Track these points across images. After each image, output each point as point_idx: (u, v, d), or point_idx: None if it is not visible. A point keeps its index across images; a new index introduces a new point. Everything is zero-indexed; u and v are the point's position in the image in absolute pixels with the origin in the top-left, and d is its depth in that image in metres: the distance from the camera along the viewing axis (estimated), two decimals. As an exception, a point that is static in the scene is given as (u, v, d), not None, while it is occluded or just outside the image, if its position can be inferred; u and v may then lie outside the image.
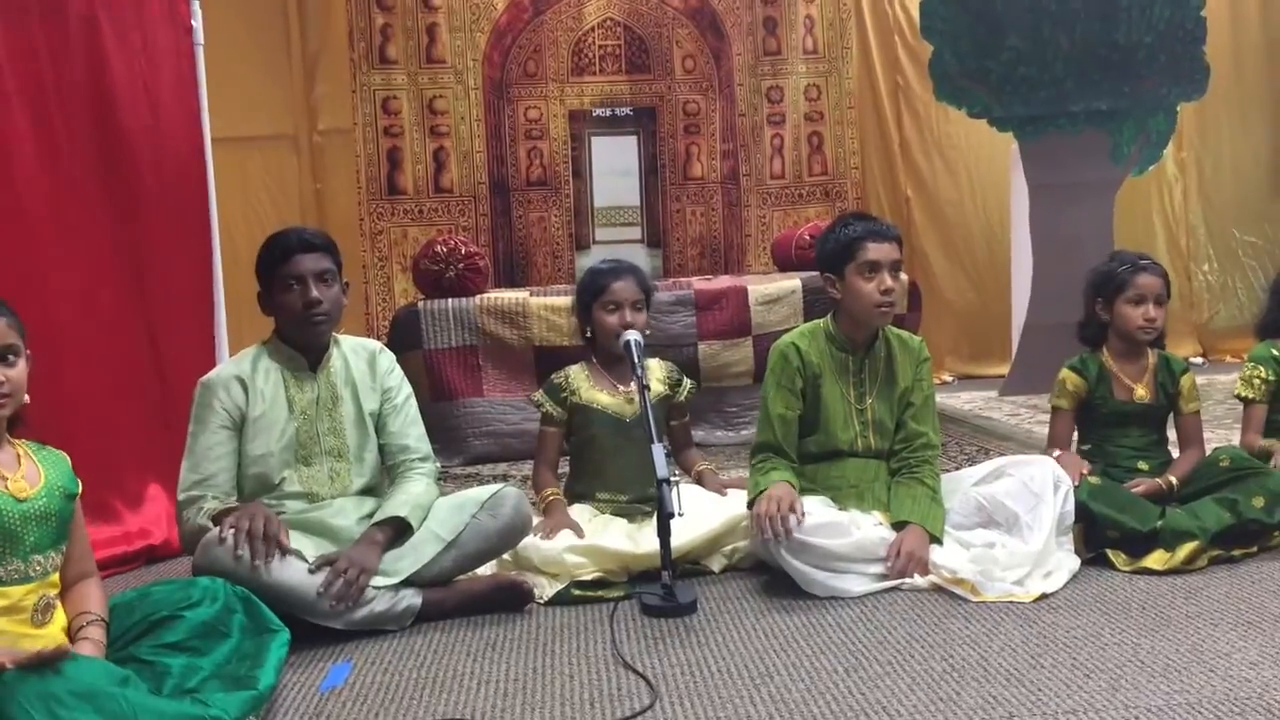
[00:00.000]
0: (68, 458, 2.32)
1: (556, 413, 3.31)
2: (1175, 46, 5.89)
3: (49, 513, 2.20)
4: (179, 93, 3.78)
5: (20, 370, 2.19)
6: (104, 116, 3.50)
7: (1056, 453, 3.23)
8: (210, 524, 2.70)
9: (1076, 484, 3.01)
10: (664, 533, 2.75)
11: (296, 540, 2.74)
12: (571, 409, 3.30)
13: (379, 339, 5.53)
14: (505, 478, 4.52)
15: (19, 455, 2.22)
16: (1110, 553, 2.95)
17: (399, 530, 2.82)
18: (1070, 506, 2.95)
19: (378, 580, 2.72)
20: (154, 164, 3.68)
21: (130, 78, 3.58)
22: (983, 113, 6.07)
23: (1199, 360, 7.11)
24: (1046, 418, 3.47)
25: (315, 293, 2.85)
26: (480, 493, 2.93)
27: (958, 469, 3.43)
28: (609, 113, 6.67)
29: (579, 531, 3.04)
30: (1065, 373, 3.33)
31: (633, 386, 3.17)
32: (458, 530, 2.84)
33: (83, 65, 3.43)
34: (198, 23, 3.83)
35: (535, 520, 3.06)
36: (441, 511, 2.89)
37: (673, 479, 2.75)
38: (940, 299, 7.00)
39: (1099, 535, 2.97)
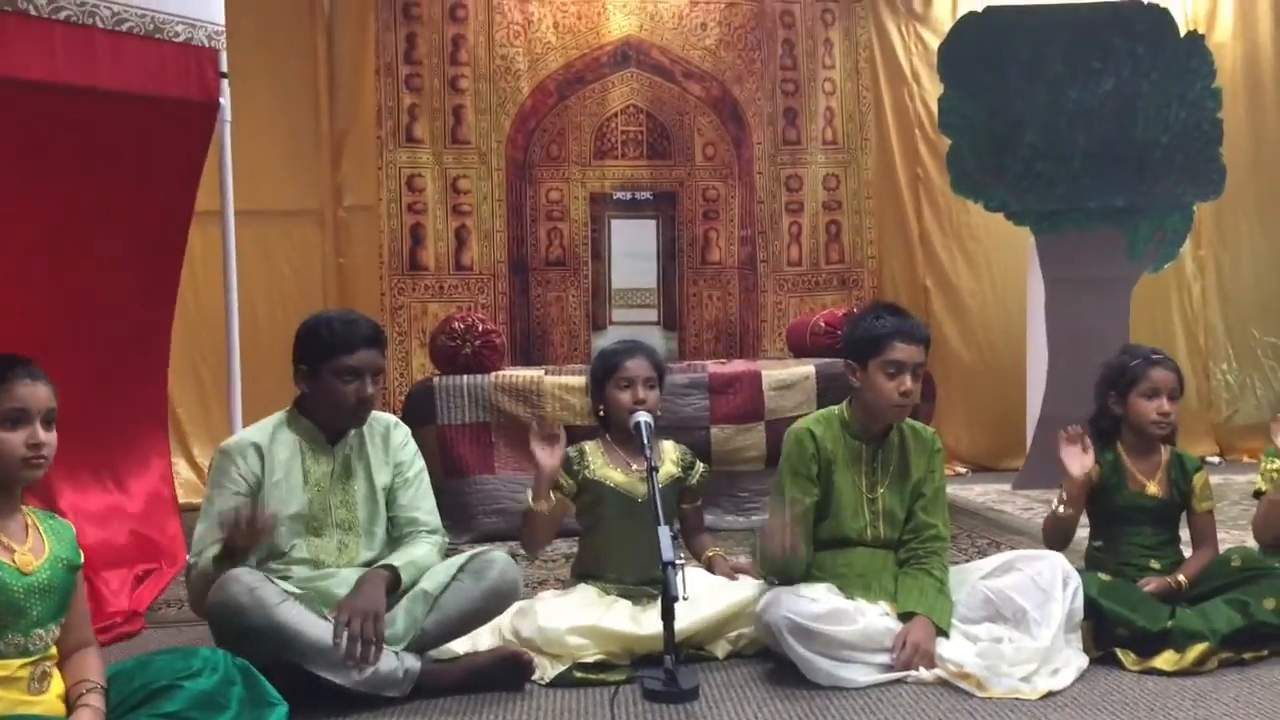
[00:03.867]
0: (72, 528, 2.34)
1: (567, 484, 3.30)
2: (1191, 147, 5.95)
3: (51, 586, 2.21)
4: (182, 170, 3.88)
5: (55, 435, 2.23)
6: (94, 184, 3.61)
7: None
8: (212, 565, 2.72)
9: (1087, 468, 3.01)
10: (668, 616, 2.73)
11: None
12: (584, 484, 3.30)
13: (395, 413, 5.58)
14: (514, 556, 4.49)
15: (27, 525, 2.24)
16: (1119, 652, 2.91)
17: (394, 582, 2.81)
18: (1079, 603, 2.93)
19: None
20: (130, 233, 3.78)
21: (131, 154, 3.67)
22: (999, 207, 6.13)
23: (1216, 459, 7.05)
24: (1060, 513, 3.45)
25: (371, 391, 2.90)
26: (467, 553, 2.95)
27: (968, 561, 3.41)
28: (629, 196, 6.76)
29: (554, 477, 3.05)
30: None
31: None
32: (442, 587, 2.83)
33: (84, 134, 3.53)
34: (226, 100, 3.92)
35: (536, 600, 3.05)
36: (432, 573, 2.90)
37: (678, 562, 2.74)
38: (957, 390, 6.99)
39: (1108, 633, 2.93)
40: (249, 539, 2.66)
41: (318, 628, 2.66)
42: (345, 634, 2.64)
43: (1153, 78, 5.92)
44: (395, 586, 2.82)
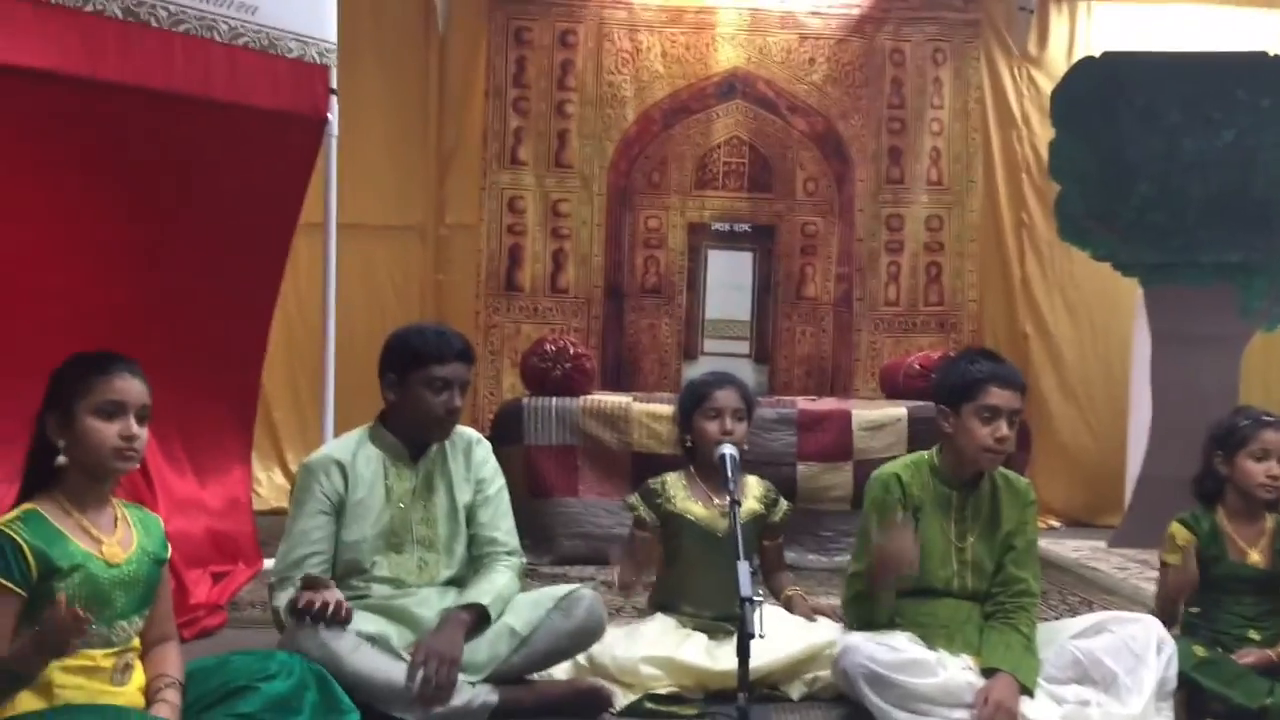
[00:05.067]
0: (161, 522, 2.38)
1: (650, 518, 3.29)
2: (1313, 204, 5.74)
3: (137, 578, 2.25)
4: (288, 182, 3.96)
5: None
6: (204, 190, 3.72)
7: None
8: (286, 611, 2.75)
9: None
10: (743, 653, 2.68)
11: (380, 626, 2.76)
12: (664, 517, 3.28)
13: (483, 430, 5.62)
14: (593, 581, 4.49)
15: (116, 518, 2.29)
16: (1213, 724, 2.80)
17: (479, 618, 2.81)
18: (1173, 671, 2.81)
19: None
20: (234, 242, 3.88)
21: (240, 163, 3.76)
22: (1108, 256, 5.97)
23: (1326, 529, 6.75)
24: (1156, 574, 3.32)
25: (459, 403, 2.90)
26: (556, 590, 2.93)
27: (1057, 619, 3.30)
28: (728, 228, 6.75)
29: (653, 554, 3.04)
30: (1175, 526, 3.18)
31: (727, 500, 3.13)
32: (532, 626, 2.82)
33: (197, 142, 3.63)
34: (334, 115, 4.01)
35: (611, 627, 3.03)
36: (518, 606, 2.89)
37: (756, 598, 2.69)
38: (1054, 441, 6.81)
39: (1202, 705, 2.82)
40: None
41: (390, 671, 2.66)
42: (420, 675, 2.64)
43: (1276, 131, 5.73)
44: (482, 621, 2.82)
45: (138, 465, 2.31)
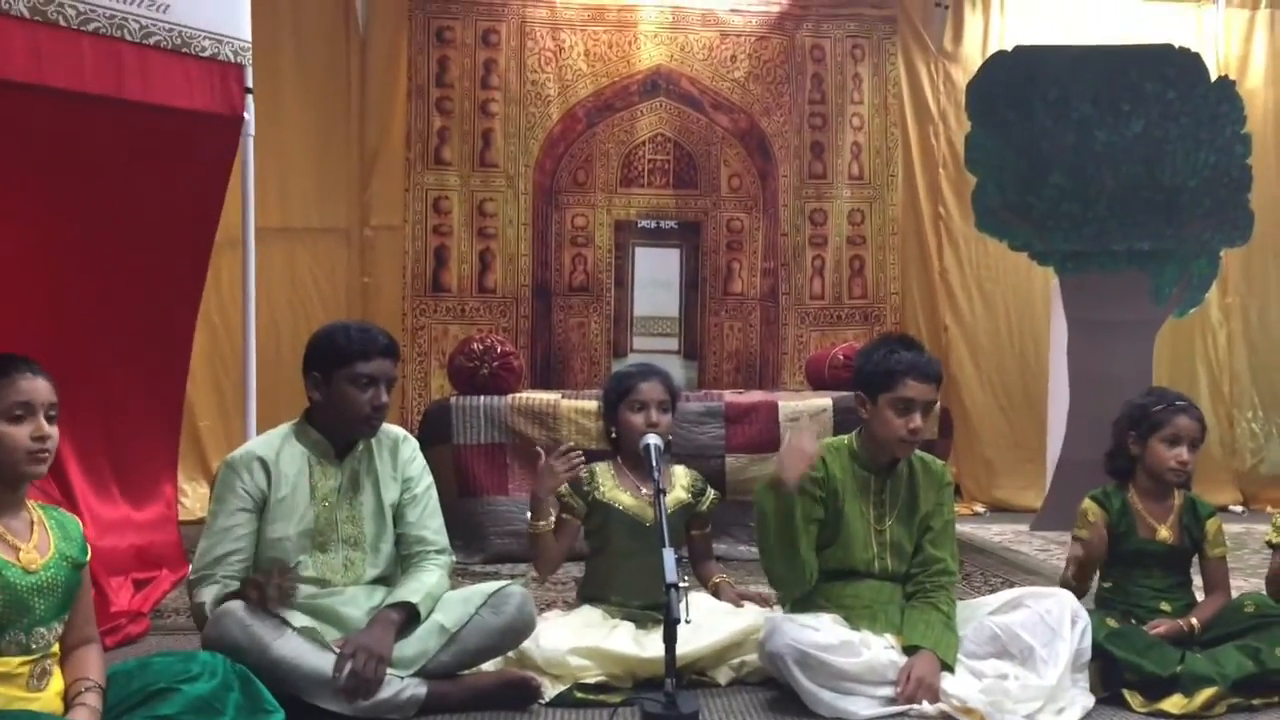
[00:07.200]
0: (79, 523, 2.35)
1: (577, 505, 3.31)
2: (1219, 192, 5.92)
3: (55, 584, 2.22)
4: (206, 185, 3.92)
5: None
6: (119, 194, 3.67)
7: None
8: (211, 609, 2.71)
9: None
10: (669, 639, 2.71)
11: (307, 623, 2.74)
12: (593, 505, 3.30)
13: (411, 431, 5.58)
14: (523, 578, 4.48)
15: (32, 522, 2.25)
16: (1126, 693, 2.88)
17: (409, 617, 2.81)
18: (1087, 643, 2.90)
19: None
20: (154, 248, 3.83)
21: (156, 165, 3.71)
22: (1024, 246, 6.11)
23: (1239, 508, 6.96)
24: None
25: (385, 399, 2.88)
26: (486, 587, 2.93)
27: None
28: (654, 225, 6.78)
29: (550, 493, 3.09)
30: (1087, 503, 3.27)
31: (654, 490, 3.15)
32: (460, 623, 2.83)
33: (110, 144, 3.58)
34: (250, 115, 3.96)
35: (540, 620, 3.04)
36: (448, 603, 2.88)
37: (682, 585, 2.73)
38: (975, 429, 6.95)
39: (1116, 675, 2.90)
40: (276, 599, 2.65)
41: (315, 660, 2.65)
42: (348, 667, 2.63)
43: (1182, 121, 5.91)
44: (412, 620, 2.81)
45: (49, 465, 2.28)
